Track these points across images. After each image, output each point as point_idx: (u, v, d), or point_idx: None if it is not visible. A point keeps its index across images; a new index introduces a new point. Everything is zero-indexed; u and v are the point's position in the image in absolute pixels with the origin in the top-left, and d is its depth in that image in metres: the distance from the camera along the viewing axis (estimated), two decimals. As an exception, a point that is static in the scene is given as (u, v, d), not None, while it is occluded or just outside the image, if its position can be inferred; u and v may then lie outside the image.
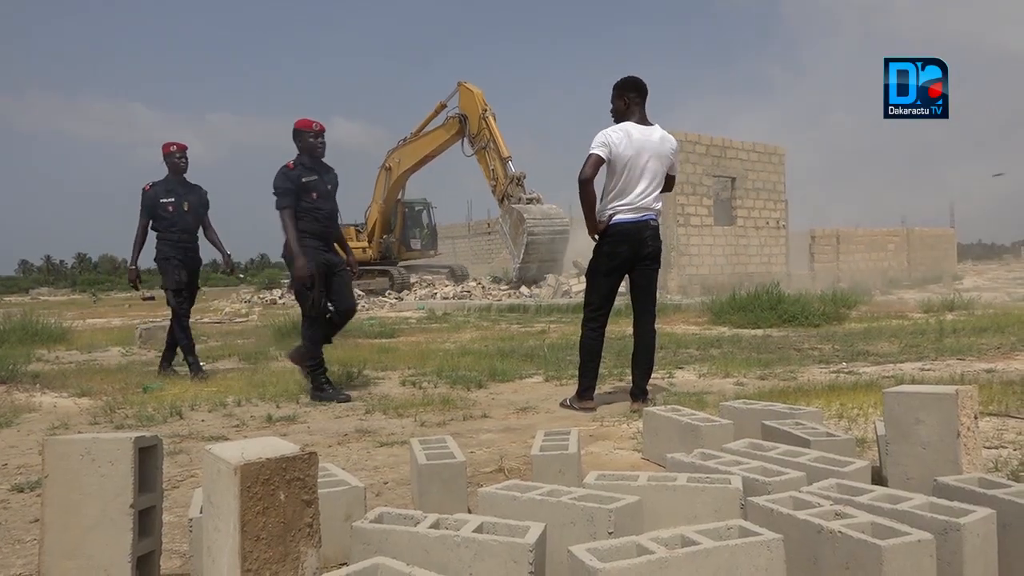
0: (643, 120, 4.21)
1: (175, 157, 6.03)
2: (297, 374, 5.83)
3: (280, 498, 1.39)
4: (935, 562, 1.51)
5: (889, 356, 6.09)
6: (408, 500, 2.58)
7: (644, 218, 4.16)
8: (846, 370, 5.34)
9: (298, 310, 5.36)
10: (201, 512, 1.76)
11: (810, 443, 2.49)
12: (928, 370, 5.20)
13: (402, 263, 22.11)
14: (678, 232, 20.48)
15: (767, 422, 2.81)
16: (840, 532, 1.55)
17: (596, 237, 4.22)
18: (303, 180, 4.86)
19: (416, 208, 23.58)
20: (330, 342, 5.21)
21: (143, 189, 5.96)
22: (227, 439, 3.57)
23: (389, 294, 20.27)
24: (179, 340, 6.07)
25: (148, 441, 1.71)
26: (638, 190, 4.11)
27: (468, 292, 18.60)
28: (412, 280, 21.02)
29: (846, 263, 24.82)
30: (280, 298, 22.52)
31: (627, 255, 4.16)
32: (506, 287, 18.54)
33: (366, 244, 22.36)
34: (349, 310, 5.10)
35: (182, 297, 6.00)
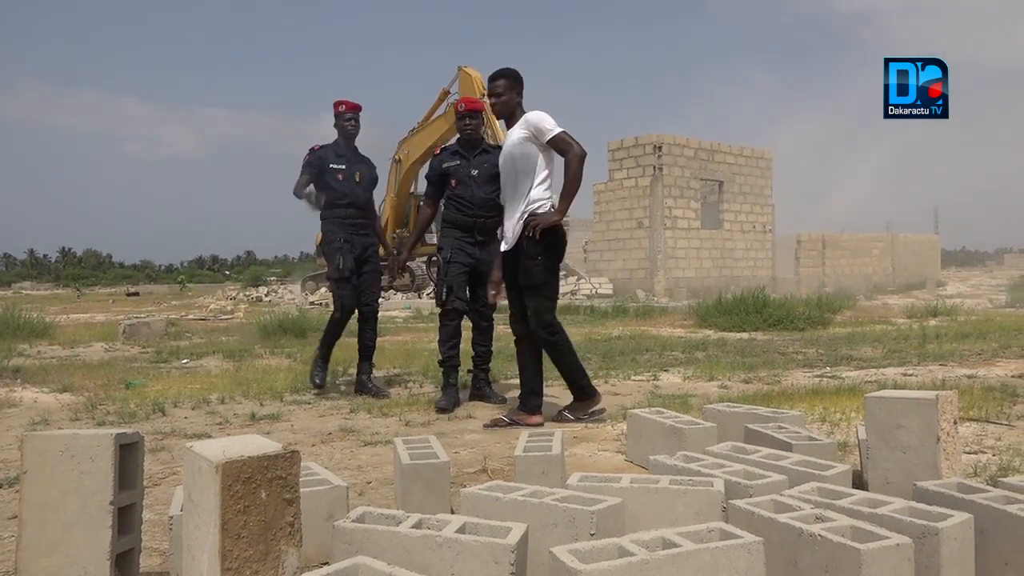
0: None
1: (344, 119, 5.04)
2: (282, 372, 5.81)
3: (261, 497, 1.38)
4: (913, 566, 1.52)
5: (872, 361, 6.13)
6: (391, 500, 2.57)
7: None
8: (829, 374, 5.37)
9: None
10: (182, 510, 1.75)
11: (792, 447, 2.50)
12: (910, 375, 5.25)
13: (420, 259, 20.43)
14: (665, 235, 20.56)
15: (750, 425, 2.82)
16: (820, 535, 1.56)
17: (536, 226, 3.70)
18: (443, 166, 4.51)
19: None
20: (480, 358, 4.65)
21: (311, 149, 5.01)
22: (210, 437, 3.55)
23: (388, 293, 20.08)
24: (324, 337, 5.04)
25: (129, 438, 1.70)
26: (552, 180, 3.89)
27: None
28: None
29: (831, 268, 25.02)
30: (266, 296, 22.25)
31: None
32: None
33: None
34: (489, 315, 4.64)
35: (347, 289, 4.90)
